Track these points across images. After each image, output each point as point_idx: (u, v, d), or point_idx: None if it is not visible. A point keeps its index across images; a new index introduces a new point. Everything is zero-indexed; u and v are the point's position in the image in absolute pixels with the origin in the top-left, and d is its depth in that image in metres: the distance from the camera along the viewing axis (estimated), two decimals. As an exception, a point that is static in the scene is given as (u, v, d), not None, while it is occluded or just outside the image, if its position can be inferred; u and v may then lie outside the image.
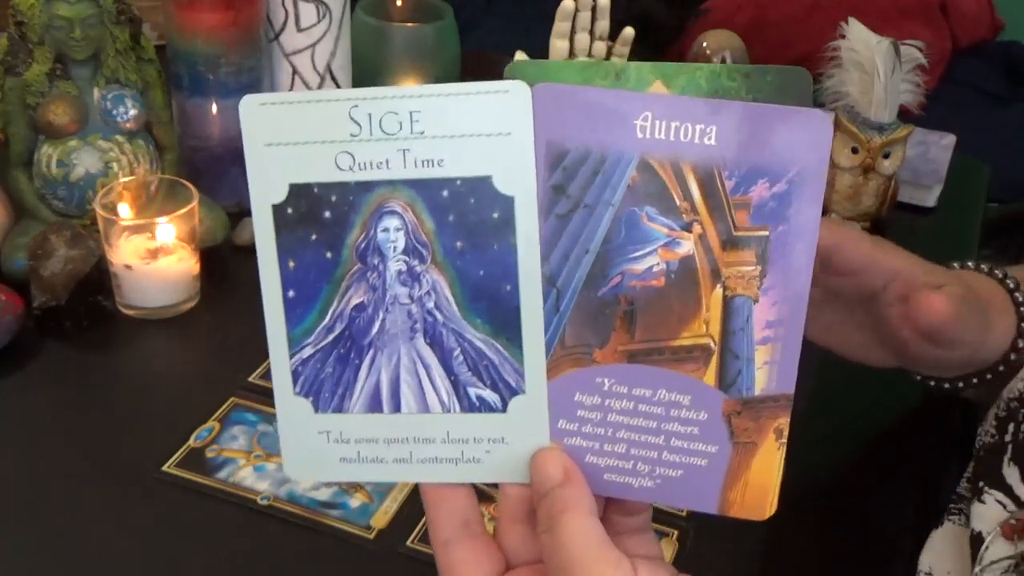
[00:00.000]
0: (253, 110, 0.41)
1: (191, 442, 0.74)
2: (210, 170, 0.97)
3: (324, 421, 0.43)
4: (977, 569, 0.61)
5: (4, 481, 0.70)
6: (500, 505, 0.44)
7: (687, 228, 0.40)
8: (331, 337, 0.43)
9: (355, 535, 0.68)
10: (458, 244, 0.41)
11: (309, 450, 0.44)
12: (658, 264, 0.41)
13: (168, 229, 0.85)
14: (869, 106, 1.00)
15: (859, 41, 0.99)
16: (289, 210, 0.41)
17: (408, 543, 0.67)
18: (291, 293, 0.42)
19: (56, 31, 0.85)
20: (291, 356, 0.43)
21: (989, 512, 0.62)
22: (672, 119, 0.39)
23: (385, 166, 0.40)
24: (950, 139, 1.21)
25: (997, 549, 0.61)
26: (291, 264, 0.42)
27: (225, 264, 0.92)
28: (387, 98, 0.40)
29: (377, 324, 0.42)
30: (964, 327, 0.66)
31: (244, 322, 0.85)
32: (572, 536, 0.39)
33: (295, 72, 1.01)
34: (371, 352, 0.43)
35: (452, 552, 0.42)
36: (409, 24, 1.12)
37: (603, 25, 1.08)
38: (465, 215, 0.40)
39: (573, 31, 1.07)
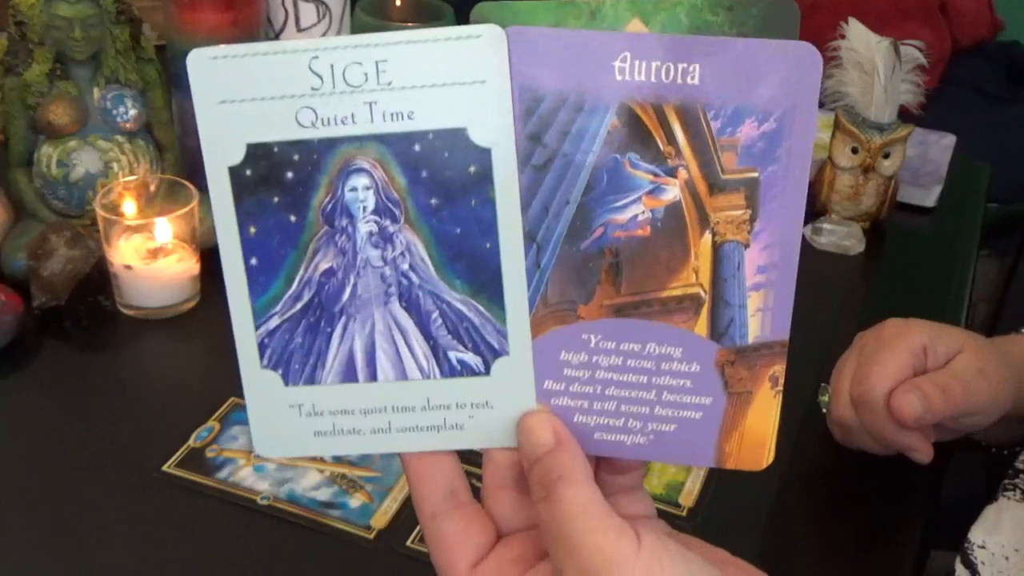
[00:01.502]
0: (203, 64, 0.38)
1: (191, 442, 0.74)
2: (210, 170, 0.97)
3: (295, 394, 0.41)
4: None
5: (4, 481, 0.70)
6: (486, 471, 0.42)
7: (672, 173, 0.39)
8: (299, 305, 0.40)
9: (355, 535, 0.68)
10: (432, 201, 0.39)
11: (280, 426, 0.41)
12: (643, 212, 0.39)
13: (168, 229, 0.85)
14: (869, 106, 1.00)
15: (859, 41, 0.99)
16: (247, 172, 0.39)
17: (408, 543, 0.67)
18: (253, 261, 0.40)
19: (56, 31, 0.85)
20: (256, 328, 0.41)
21: None
22: (652, 59, 0.37)
23: (351, 120, 0.38)
24: (950, 139, 1.21)
25: None
26: (252, 230, 0.39)
27: (225, 264, 0.92)
28: (350, 47, 0.37)
29: (348, 289, 0.40)
30: (977, 399, 0.69)
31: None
32: (571, 506, 0.38)
33: (295, 72, 1.01)
34: (343, 319, 0.40)
35: (441, 524, 0.41)
36: (409, 24, 1.12)
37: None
38: (439, 170, 0.38)
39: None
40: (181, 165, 0.96)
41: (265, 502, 0.69)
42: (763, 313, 0.40)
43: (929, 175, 1.14)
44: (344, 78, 0.38)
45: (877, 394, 0.69)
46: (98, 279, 0.84)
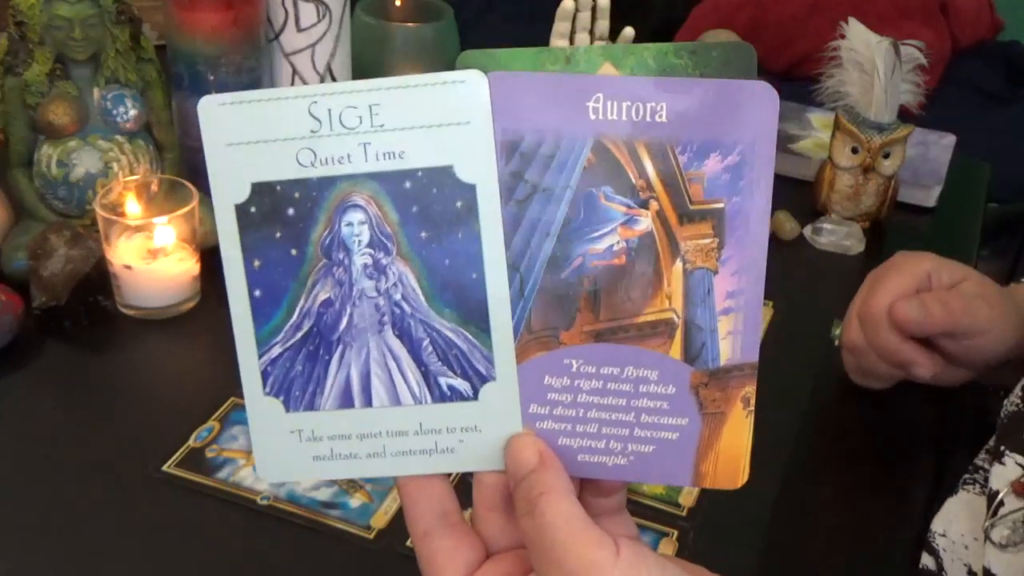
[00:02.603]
0: (212, 111, 0.41)
1: (191, 442, 0.74)
2: (210, 170, 0.97)
3: (295, 420, 0.43)
4: (987, 523, 0.64)
5: (4, 481, 0.70)
6: (475, 494, 0.44)
7: (644, 205, 0.41)
8: (299, 335, 0.42)
9: (355, 535, 0.68)
10: (423, 235, 0.41)
11: (281, 451, 0.43)
12: (618, 242, 0.41)
13: (168, 229, 0.85)
14: (869, 106, 1.00)
15: (859, 41, 0.99)
16: (252, 209, 0.41)
17: (408, 543, 0.67)
18: (257, 293, 0.42)
19: (56, 31, 0.85)
20: (260, 356, 0.43)
21: (1008, 473, 0.66)
22: (623, 99, 0.40)
23: (347, 160, 0.40)
24: (950, 139, 1.21)
25: (1010, 504, 0.65)
26: (256, 263, 0.42)
27: (225, 264, 0.92)
28: (346, 92, 0.40)
29: (345, 319, 0.42)
30: (976, 319, 0.74)
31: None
32: (553, 518, 0.39)
33: (295, 72, 1.01)
34: (340, 347, 0.42)
35: (432, 543, 0.42)
36: (409, 24, 1.12)
37: (603, 25, 1.08)
38: (428, 205, 0.41)
39: (573, 31, 1.07)
40: (181, 165, 0.96)
41: (265, 502, 0.70)
42: (733, 336, 0.42)
43: (929, 175, 1.14)
44: (340, 121, 0.40)
45: (880, 308, 0.75)
46: (98, 279, 0.84)
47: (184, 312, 0.87)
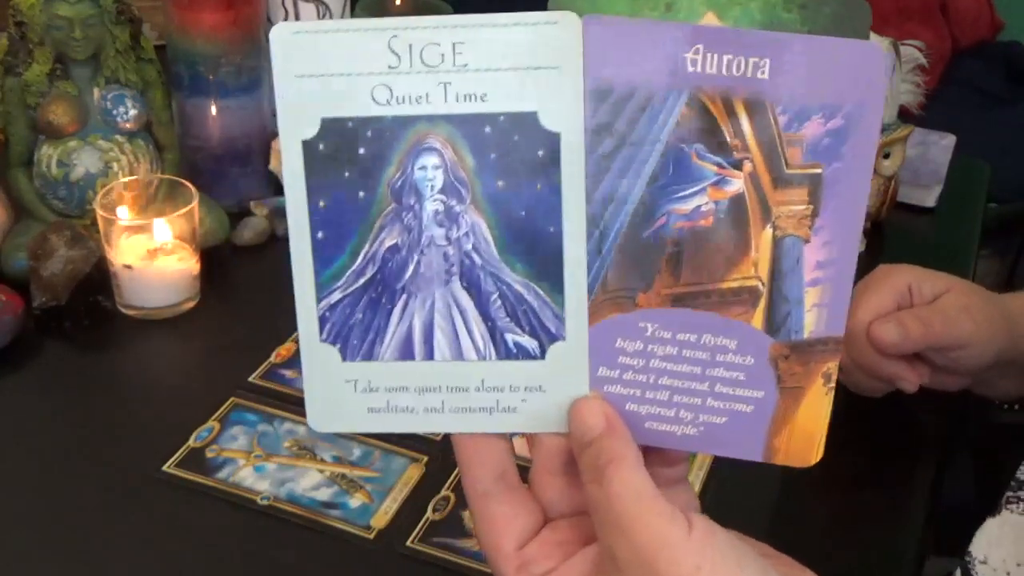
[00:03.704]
0: (285, 39, 0.39)
1: (191, 442, 0.74)
2: (210, 170, 0.97)
3: (352, 369, 0.41)
4: None
5: (4, 481, 0.70)
6: (535, 456, 0.42)
7: (737, 166, 0.39)
8: (362, 281, 0.41)
9: (355, 535, 0.68)
10: (499, 183, 0.39)
11: (335, 400, 0.42)
12: (706, 203, 0.39)
13: (168, 229, 0.85)
14: (869, 106, 0.99)
15: (859, 41, 0.99)
16: (321, 146, 0.39)
17: (408, 543, 0.67)
18: (320, 235, 0.40)
19: (56, 31, 0.85)
20: (319, 301, 0.41)
21: None
22: (724, 52, 0.37)
23: (425, 100, 0.38)
24: (950, 139, 1.21)
25: None
26: (321, 204, 0.40)
27: (225, 264, 0.92)
28: (429, 28, 0.38)
29: (411, 267, 0.40)
30: (957, 333, 0.72)
31: (244, 322, 0.85)
32: (622, 488, 0.38)
33: (295, 72, 1.01)
34: (404, 296, 0.41)
35: (491, 505, 0.41)
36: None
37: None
38: (508, 153, 0.39)
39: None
40: (181, 165, 0.96)
41: (265, 502, 0.69)
42: (819, 309, 0.40)
43: (929, 175, 1.14)
44: (421, 58, 0.38)
45: (860, 327, 0.73)
46: (98, 279, 0.84)
47: (184, 312, 0.87)
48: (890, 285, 0.75)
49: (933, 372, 0.75)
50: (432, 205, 0.40)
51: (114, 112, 0.89)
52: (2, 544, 0.66)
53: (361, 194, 0.40)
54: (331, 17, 1.00)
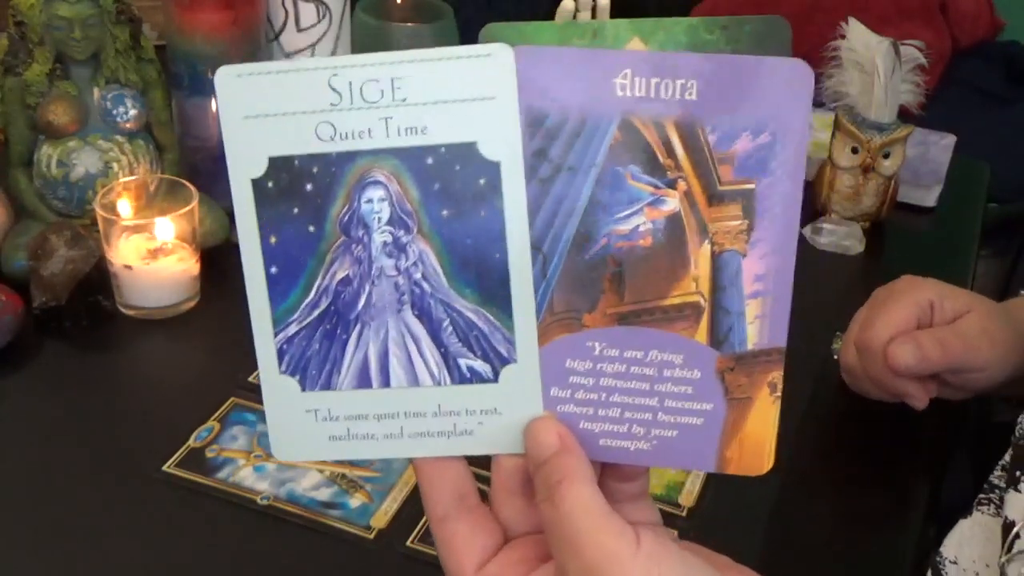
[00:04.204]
0: (229, 81, 0.40)
1: (191, 442, 0.74)
2: (210, 170, 0.97)
3: (312, 399, 0.42)
4: (1004, 558, 0.62)
5: (4, 481, 0.70)
6: (494, 477, 0.43)
7: (672, 185, 0.40)
8: (316, 313, 0.42)
9: (355, 535, 0.68)
10: (444, 213, 0.40)
11: (297, 430, 0.43)
12: (644, 223, 0.40)
13: (168, 229, 0.85)
14: (869, 106, 1.00)
15: (859, 41, 0.99)
16: (269, 184, 0.40)
17: (408, 543, 0.67)
18: (274, 269, 0.41)
19: (56, 31, 0.85)
20: (276, 335, 0.42)
21: (1023, 502, 0.63)
22: (652, 76, 0.38)
23: (367, 135, 0.39)
24: (950, 139, 1.21)
25: None
26: (272, 240, 0.41)
27: (225, 264, 0.92)
28: (368, 65, 0.39)
29: (363, 298, 0.41)
30: (975, 358, 0.73)
31: (244, 322, 0.84)
32: (573, 505, 0.39)
33: (295, 72, 1.01)
34: (358, 327, 0.42)
35: (450, 526, 0.42)
36: (409, 24, 1.12)
37: (603, 25, 1.07)
38: (450, 183, 0.40)
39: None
40: (181, 165, 0.96)
41: (265, 502, 0.69)
42: (761, 320, 0.41)
43: (929, 175, 1.14)
44: (361, 94, 0.39)
45: (878, 341, 0.73)
46: (98, 279, 0.84)
47: (184, 312, 0.87)
48: (912, 300, 0.74)
49: (942, 386, 0.75)
50: (380, 237, 0.41)
51: (114, 112, 0.89)
52: (2, 544, 0.66)
53: (311, 228, 0.41)
54: (330, 17, 1.00)
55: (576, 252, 0.40)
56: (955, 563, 0.66)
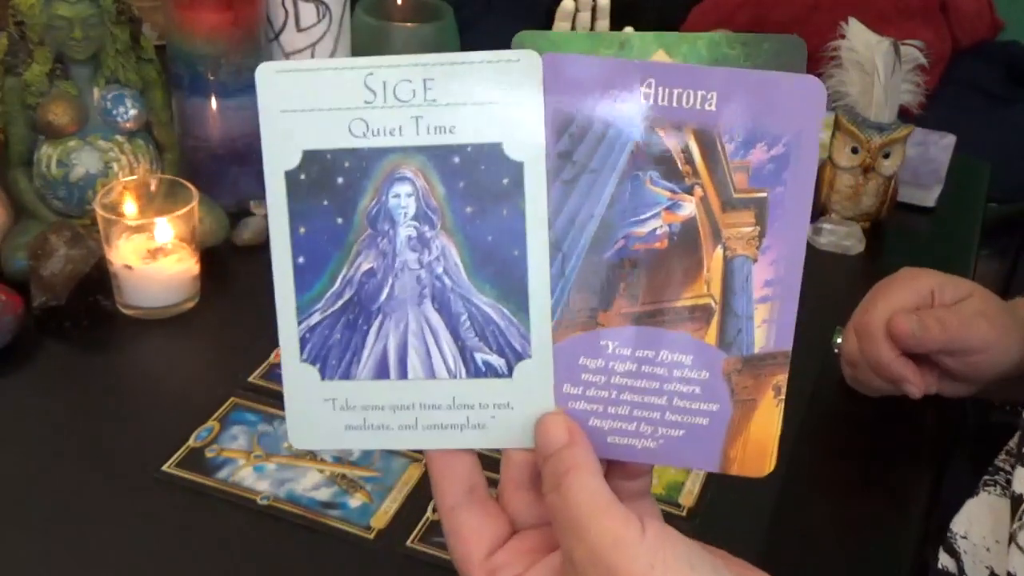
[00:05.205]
0: (269, 77, 0.42)
1: (191, 442, 0.74)
2: (210, 170, 0.97)
3: (330, 388, 0.44)
4: (1015, 526, 0.63)
5: (4, 481, 0.70)
6: (504, 471, 0.44)
7: (689, 191, 0.42)
8: (340, 303, 0.43)
9: (355, 535, 0.68)
10: (468, 210, 0.42)
11: (314, 418, 0.44)
12: (661, 227, 0.42)
13: (168, 229, 0.85)
14: (869, 106, 1.00)
15: (859, 41, 0.99)
16: (302, 176, 0.42)
17: (408, 543, 0.67)
18: (301, 259, 0.43)
19: (56, 31, 0.85)
20: (299, 323, 0.43)
21: None
22: (674, 86, 0.40)
23: (398, 133, 0.41)
24: (950, 139, 1.21)
25: None
26: (302, 230, 0.42)
27: (225, 264, 0.92)
28: (402, 66, 0.41)
29: (386, 290, 0.43)
30: (974, 337, 0.73)
31: (244, 322, 0.85)
32: (579, 494, 0.40)
33: (295, 72, 1.01)
34: (379, 318, 0.43)
35: (458, 517, 0.43)
36: (409, 24, 1.12)
37: (603, 26, 1.08)
38: (475, 181, 0.41)
39: (573, 31, 1.07)
40: (181, 165, 0.96)
41: (265, 502, 0.69)
42: (768, 325, 0.42)
43: (929, 175, 1.14)
44: (395, 94, 0.41)
45: (877, 323, 0.74)
46: (98, 279, 0.84)
47: (184, 312, 0.87)
48: (913, 287, 0.76)
49: (942, 379, 0.76)
50: (405, 231, 0.42)
51: (114, 112, 0.89)
52: (2, 544, 0.66)
53: (339, 220, 0.42)
54: (331, 17, 1.00)
55: (594, 252, 0.42)
56: (966, 537, 0.68)
